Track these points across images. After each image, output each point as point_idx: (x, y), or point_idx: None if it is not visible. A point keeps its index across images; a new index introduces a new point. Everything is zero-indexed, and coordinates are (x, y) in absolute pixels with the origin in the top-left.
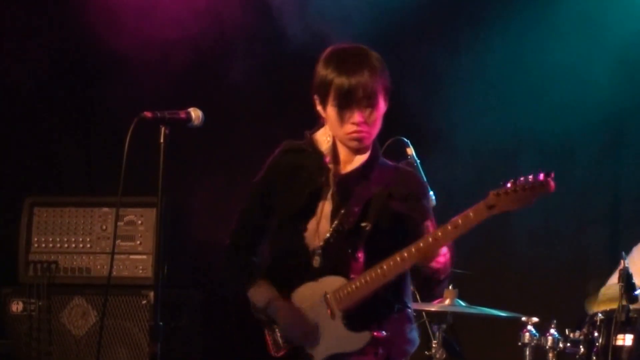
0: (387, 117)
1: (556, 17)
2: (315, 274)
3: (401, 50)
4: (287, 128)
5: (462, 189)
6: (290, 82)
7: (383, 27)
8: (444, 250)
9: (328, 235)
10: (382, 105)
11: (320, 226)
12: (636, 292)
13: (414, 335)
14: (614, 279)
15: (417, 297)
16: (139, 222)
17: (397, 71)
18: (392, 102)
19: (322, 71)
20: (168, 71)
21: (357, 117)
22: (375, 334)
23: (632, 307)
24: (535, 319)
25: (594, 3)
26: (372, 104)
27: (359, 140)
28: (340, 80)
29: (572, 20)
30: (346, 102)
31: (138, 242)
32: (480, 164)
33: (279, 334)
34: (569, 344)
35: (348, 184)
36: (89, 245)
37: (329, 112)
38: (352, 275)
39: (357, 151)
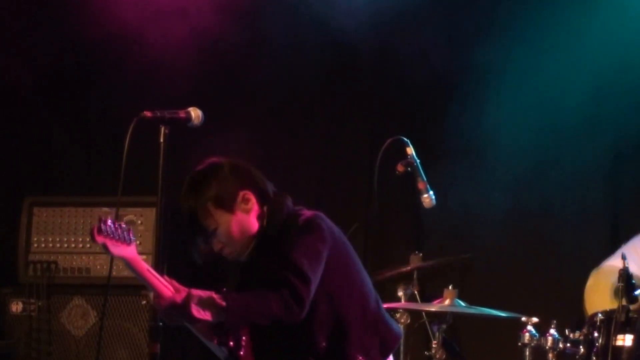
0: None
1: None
2: None
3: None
4: (288, 128)
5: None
6: (291, 82)
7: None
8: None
9: None
10: (223, 219)
11: None
12: (636, 293)
13: None
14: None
15: (417, 297)
16: (139, 222)
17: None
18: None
19: None
20: (168, 71)
21: (209, 248)
22: None
23: (632, 307)
24: (535, 319)
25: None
26: (205, 233)
27: (231, 259)
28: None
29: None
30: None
31: (138, 242)
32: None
33: None
34: (569, 344)
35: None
36: (88, 246)
37: None
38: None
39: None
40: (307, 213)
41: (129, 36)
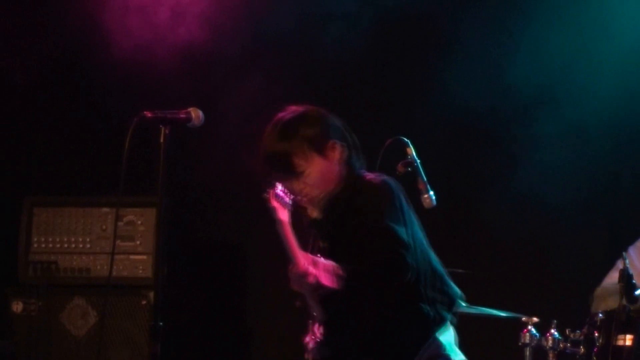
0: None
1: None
2: None
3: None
4: None
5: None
6: (291, 82)
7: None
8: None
9: None
10: (314, 161)
11: None
12: (636, 293)
13: None
14: (609, 278)
15: None
16: (139, 222)
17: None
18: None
19: None
20: (169, 71)
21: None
22: None
23: (632, 307)
24: (535, 319)
25: None
26: (292, 173)
27: (307, 203)
28: (263, 158)
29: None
30: (272, 175)
31: (138, 242)
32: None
33: None
34: (569, 344)
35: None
36: (88, 245)
37: None
38: None
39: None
40: (372, 176)
41: (130, 35)
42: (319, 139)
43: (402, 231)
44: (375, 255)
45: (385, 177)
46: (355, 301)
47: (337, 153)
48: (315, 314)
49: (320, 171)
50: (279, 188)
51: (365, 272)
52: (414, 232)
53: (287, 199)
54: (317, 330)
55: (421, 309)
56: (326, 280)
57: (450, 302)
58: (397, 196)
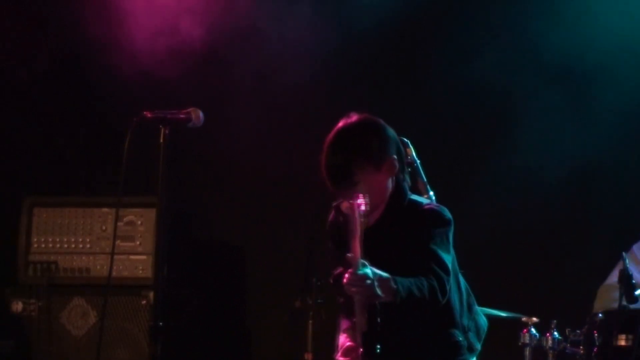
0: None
1: None
2: None
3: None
4: (287, 129)
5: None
6: (291, 82)
7: None
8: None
9: None
10: (369, 175)
11: None
12: (636, 293)
13: None
14: (611, 278)
15: None
16: (139, 222)
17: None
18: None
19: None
20: (169, 71)
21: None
22: None
23: (632, 307)
24: (535, 319)
25: None
26: (350, 183)
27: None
28: (323, 166)
29: None
30: (329, 184)
31: (138, 243)
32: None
33: None
34: (569, 344)
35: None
36: (88, 246)
37: None
38: None
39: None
40: (427, 202)
41: (130, 35)
42: (379, 154)
43: (447, 259)
44: (422, 274)
45: (442, 207)
46: (396, 316)
47: (393, 171)
48: (356, 321)
49: (371, 185)
50: (361, 198)
51: (414, 290)
52: (453, 260)
53: (364, 210)
54: (346, 340)
55: (454, 336)
56: (383, 291)
57: (481, 332)
58: (451, 228)
